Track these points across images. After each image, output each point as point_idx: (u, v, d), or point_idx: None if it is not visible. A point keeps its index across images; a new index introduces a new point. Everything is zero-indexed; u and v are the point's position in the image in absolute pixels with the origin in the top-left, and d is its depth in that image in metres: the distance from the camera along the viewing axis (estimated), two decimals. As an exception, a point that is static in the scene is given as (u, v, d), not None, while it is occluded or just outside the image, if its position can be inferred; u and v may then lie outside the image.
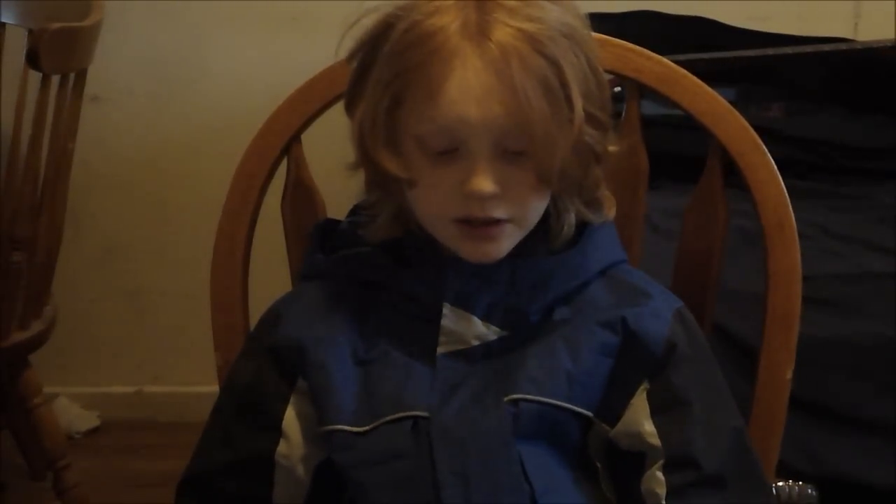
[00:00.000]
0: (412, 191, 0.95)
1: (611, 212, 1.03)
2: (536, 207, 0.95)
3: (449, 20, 0.89)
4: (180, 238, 2.55)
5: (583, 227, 1.00)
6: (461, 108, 0.89)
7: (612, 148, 0.97)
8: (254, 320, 1.10)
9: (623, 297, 0.99)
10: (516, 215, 0.94)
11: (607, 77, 1.00)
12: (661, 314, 0.99)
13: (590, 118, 0.92)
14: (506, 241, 0.95)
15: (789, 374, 1.10)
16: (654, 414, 0.96)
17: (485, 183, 0.90)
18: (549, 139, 0.89)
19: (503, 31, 0.88)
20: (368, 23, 0.94)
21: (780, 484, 1.19)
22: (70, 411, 2.55)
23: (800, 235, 1.10)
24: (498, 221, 0.93)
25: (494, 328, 0.98)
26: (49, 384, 2.11)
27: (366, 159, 0.96)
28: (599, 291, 1.00)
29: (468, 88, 0.88)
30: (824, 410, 1.62)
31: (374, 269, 1.00)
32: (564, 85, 0.90)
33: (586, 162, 0.95)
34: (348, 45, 0.95)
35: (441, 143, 0.91)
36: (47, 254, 1.91)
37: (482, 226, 0.93)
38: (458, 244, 0.95)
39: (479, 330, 0.97)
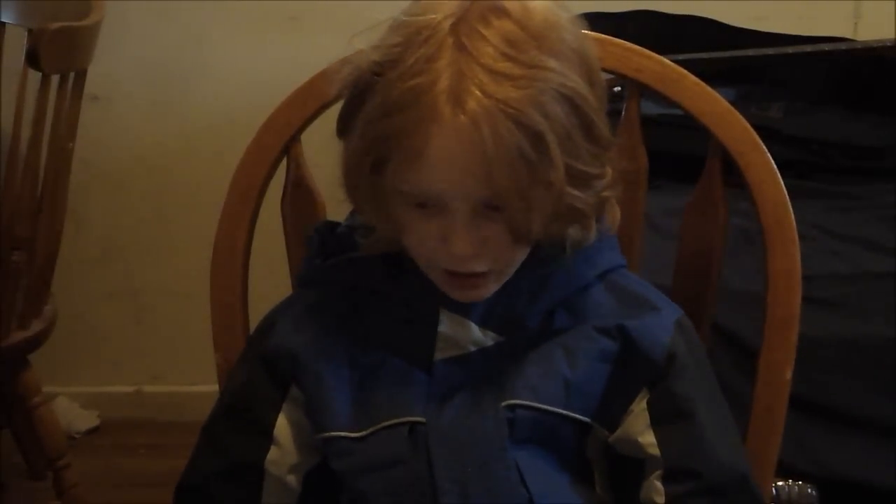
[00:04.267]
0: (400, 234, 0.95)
1: (615, 222, 1.02)
2: (518, 258, 0.95)
3: (431, 81, 0.86)
4: (180, 238, 2.55)
5: None
6: (437, 178, 0.88)
7: (607, 193, 0.95)
8: (254, 320, 1.10)
9: (624, 304, 0.99)
10: (497, 267, 0.94)
11: (607, 77, 0.99)
12: (662, 323, 0.98)
13: (576, 179, 0.90)
14: (491, 286, 0.95)
15: (789, 374, 1.09)
16: (655, 424, 0.96)
17: (464, 247, 0.90)
18: (523, 206, 0.88)
19: (478, 101, 0.85)
20: (351, 70, 0.92)
21: (780, 484, 1.19)
22: (70, 411, 2.55)
23: (800, 235, 1.10)
24: (480, 273, 0.93)
25: (491, 334, 0.97)
26: (49, 384, 2.11)
27: (353, 204, 0.98)
28: (600, 297, 0.99)
29: (444, 158, 0.87)
30: (824, 410, 1.62)
31: (371, 275, 1.00)
32: (544, 153, 0.86)
33: (570, 220, 0.94)
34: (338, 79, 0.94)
35: (423, 200, 0.91)
36: (47, 253, 1.90)
37: (466, 276, 0.93)
38: (445, 288, 0.95)
39: (476, 336, 0.97)
